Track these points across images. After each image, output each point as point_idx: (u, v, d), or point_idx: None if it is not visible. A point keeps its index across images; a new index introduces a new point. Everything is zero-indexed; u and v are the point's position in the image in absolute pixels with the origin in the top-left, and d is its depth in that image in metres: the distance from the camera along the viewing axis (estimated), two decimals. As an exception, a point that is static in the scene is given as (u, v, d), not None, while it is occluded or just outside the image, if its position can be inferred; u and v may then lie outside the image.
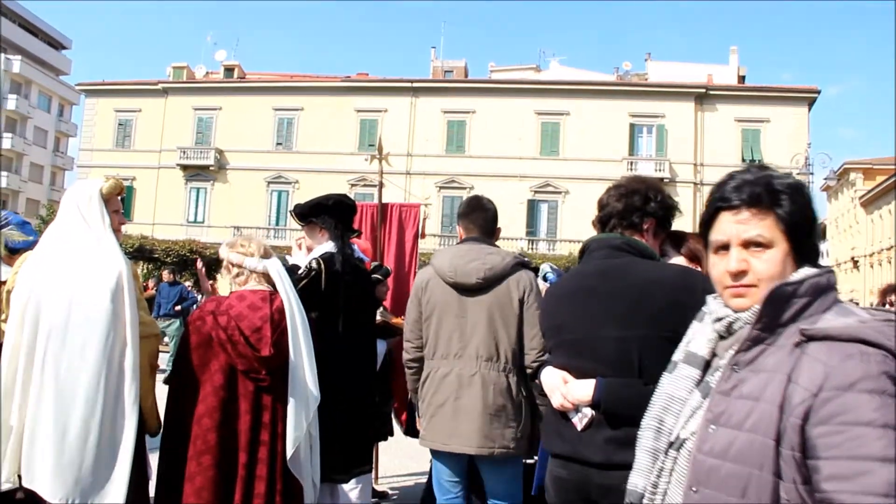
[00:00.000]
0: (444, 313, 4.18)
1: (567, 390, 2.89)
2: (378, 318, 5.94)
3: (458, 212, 4.56)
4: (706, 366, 2.03)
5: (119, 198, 3.83)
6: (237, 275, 4.01)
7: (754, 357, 1.83)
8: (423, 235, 8.73)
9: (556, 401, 2.93)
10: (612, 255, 3.00)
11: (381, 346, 6.06)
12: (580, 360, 2.92)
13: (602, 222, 3.16)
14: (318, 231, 4.85)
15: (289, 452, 3.75)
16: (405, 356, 4.36)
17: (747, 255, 1.93)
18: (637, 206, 3.08)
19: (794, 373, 1.72)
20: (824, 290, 1.86)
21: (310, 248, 4.95)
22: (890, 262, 51.19)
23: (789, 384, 1.71)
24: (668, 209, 3.16)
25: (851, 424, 1.60)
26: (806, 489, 1.66)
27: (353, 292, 4.74)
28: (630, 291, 2.85)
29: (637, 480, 2.09)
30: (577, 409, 2.86)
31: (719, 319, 1.99)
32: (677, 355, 2.15)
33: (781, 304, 1.82)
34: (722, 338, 2.00)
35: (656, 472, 2.02)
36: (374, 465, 6.25)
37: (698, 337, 2.09)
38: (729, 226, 1.96)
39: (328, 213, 4.86)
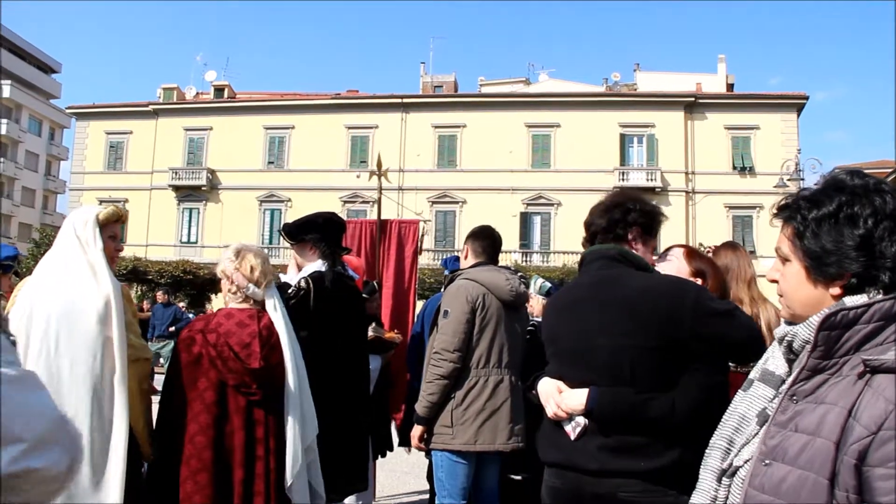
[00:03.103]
0: (498, 326, 4.74)
1: (561, 399, 2.90)
2: (371, 333, 5.97)
3: (472, 233, 5.20)
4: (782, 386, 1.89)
5: (119, 225, 3.82)
6: (233, 291, 4.01)
7: (815, 388, 1.70)
8: (420, 252, 8.74)
9: (551, 410, 2.94)
10: (606, 266, 3.04)
11: (375, 363, 6.06)
12: (574, 369, 2.94)
13: (590, 242, 3.21)
14: (308, 249, 4.83)
15: (288, 479, 3.75)
16: (449, 366, 4.62)
17: (781, 265, 1.87)
18: (618, 218, 3.11)
19: (856, 407, 1.58)
20: (895, 316, 1.65)
21: (299, 267, 4.94)
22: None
23: (849, 419, 1.57)
24: (650, 215, 3.18)
25: None
26: None
27: (343, 310, 4.74)
28: (623, 301, 2.87)
29: (699, 501, 1.98)
30: (570, 418, 2.87)
31: (782, 339, 1.85)
32: (754, 373, 2.01)
33: (839, 331, 1.67)
34: (791, 359, 1.86)
35: (711, 499, 1.93)
36: (372, 483, 6.22)
37: (776, 354, 1.94)
38: None
39: (318, 232, 4.85)
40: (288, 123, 48.84)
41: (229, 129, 48.98)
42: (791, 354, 1.83)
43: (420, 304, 9.07)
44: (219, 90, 53.68)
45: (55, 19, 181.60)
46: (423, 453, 5.10)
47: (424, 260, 36.83)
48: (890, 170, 50.49)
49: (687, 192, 44.86)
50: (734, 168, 44.76)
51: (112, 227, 3.77)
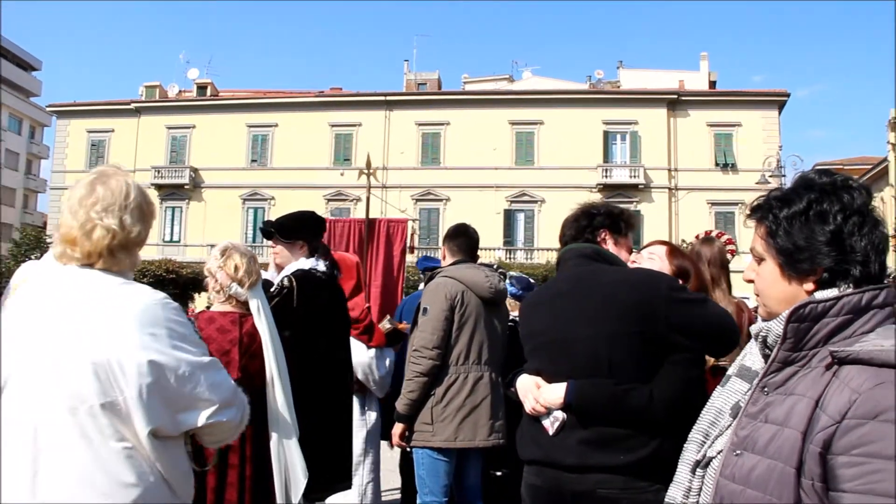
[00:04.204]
0: (477, 323, 4.78)
1: (539, 394, 2.92)
2: (386, 325, 6.20)
3: (448, 233, 5.27)
4: None
5: None
6: (217, 290, 3.99)
7: (785, 380, 1.75)
8: (413, 250, 8.78)
9: (529, 405, 2.96)
10: (583, 263, 3.11)
11: (391, 356, 6.22)
12: (553, 363, 2.97)
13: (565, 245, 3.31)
14: (298, 248, 4.79)
15: (279, 497, 3.78)
16: (428, 363, 4.67)
17: (756, 265, 1.92)
18: (585, 224, 3.23)
19: (823, 398, 1.62)
20: (864, 309, 1.71)
21: (279, 266, 4.89)
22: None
23: (815, 409, 1.62)
24: (616, 216, 3.29)
25: (874, 457, 1.50)
26: None
27: (327, 308, 4.73)
28: (599, 292, 2.92)
29: (675, 493, 2.03)
30: (549, 413, 2.88)
31: (757, 335, 1.89)
32: (732, 370, 2.07)
33: (808, 324, 1.72)
34: (767, 355, 1.88)
35: (685, 490, 1.98)
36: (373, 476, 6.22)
37: (753, 350, 2.00)
38: None
39: (311, 230, 4.86)
40: (271, 121, 48.70)
41: (212, 128, 48.76)
42: (766, 350, 1.87)
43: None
44: (201, 88, 53.41)
45: (36, 16, 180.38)
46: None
47: (411, 258, 36.74)
48: (869, 166, 50.97)
49: (670, 189, 45.03)
50: (717, 165, 44.98)
51: None
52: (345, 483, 4.82)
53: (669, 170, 45.34)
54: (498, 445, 4.74)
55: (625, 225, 3.29)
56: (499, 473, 5.34)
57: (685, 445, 2.07)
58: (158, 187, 48.57)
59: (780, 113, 46.22)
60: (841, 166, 58.92)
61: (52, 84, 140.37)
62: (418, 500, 4.89)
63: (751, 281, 1.95)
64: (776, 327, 1.80)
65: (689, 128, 45.60)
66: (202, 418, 2.33)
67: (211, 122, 49.00)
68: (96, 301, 2.26)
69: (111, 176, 2.43)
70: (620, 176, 45.22)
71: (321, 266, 4.76)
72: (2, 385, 2.22)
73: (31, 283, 2.41)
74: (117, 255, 2.37)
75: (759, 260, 1.90)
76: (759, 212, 1.90)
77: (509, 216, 45.83)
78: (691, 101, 46.27)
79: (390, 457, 6.80)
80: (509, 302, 5.58)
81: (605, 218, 3.23)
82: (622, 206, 3.46)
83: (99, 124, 50.40)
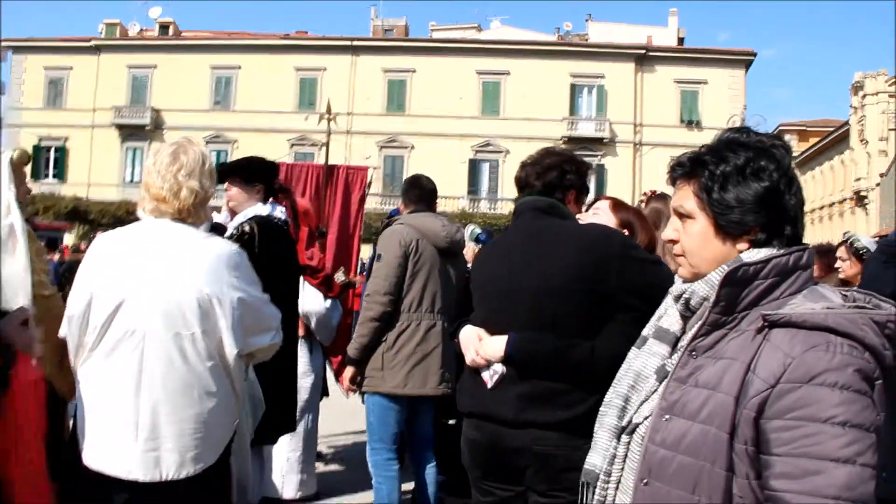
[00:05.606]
0: (431, 272, 4.81)
1: (480, 346, 2.91)
2: (341, 277, 6.35)
3: (403, 188, 5.35)
4: (677, 343, 1.90)
5: (25, 167, 3.72)
6: None
7: (713, 343, 1.72)
8: (366, 196, 8.75)
9: (470, 357, 2.95)
10: (538, 217, 3.05)
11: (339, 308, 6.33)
12: (497, 313, 2.95)
13: (521, 191, 3.22)
14: (255, 192, 4.64)
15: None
16: (379, 309, 4.68)
17: (681, 224, 1.85)
18: (555, 183, 3.12)
19: (754, 362, 1.61)
20: (791, 270, 1.70)
21: (233, 211, 4.74)
22: (821, 221, 52.61)
23: (748, 373, 1.61)
24: (583, 175, 3.21)
25: (808, 420, 1.51)
26: (759, 485, 1.57)
27: (285, 255, 4.68)
28: (549, 247, 2.90)
29: (595, 460, 1.97)
30: (488, 365, 2.87)
31: (678, 297, 1.85)
32: (647, 330, 2.02)
33: (740, 287, 1.69)
34: (687, 316, 1.86)
35: (609, 458, 1.92)
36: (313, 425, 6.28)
37: (671, 311, 1.95)
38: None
39: (269, 175, 4.79)
40: (235, 63, 47.75)
41: (174, 68, 47.68)
42: (688, 311, 1.84)
43: (365, 249, 9.08)
44: (164, 27, 52.12)
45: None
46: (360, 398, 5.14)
47: (371, 204, 36.61)
48: (832, 128, 51.53)
49: (635, 144, 45.13)
50: (682, 121, 45.10)
51: (21, 172, 3.64)
52: (289, 426, 4.84)
53: (635, 125, 45.39)
54: (447, 395, 4.75)
55: (587, 185, 3.25)
56: (452, 422, 5.39)
57: (603, 410, 2.02)
58: (119, 127, 47.71)
59: (746, 72, 46.35)
60: (804, 128, 59.50)
61: (5, 19, 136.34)
62: (367, 447, 4.92)
63: (672, 241, 1.88)
64: (701, 289, 1.78)
65: (656, 83, 45.55)
66: (267, 340, 3.04)
67: (173, 63, 47.90)
68: (191, 249, 2.90)
69: (189, 146, 3.06)
70: (586, 129, 45.17)
71: (278, 213, 4.69)
72: (119, 304, 2.79)
73: (130, 230, 3.02)
74: (199, 210, 3.01)
75: (685, 218, 1.84)
76: (689, 168, 1.84)
77: (474, 166, 45.69)
78: (659, 58, 46.13)
79: (345, 403, 6.87)
80: (467, 252, 5.63)
81: (577, 178, 3.16)
82: (587, 162, 3.37)
83: (57, 61, 49.06)
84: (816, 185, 54.07)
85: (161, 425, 2.79)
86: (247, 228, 4.43)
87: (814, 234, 48.66)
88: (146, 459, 2.79)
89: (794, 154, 58.32)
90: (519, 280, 2.91)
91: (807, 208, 47.20)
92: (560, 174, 3.12)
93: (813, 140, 55.97)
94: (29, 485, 2.84)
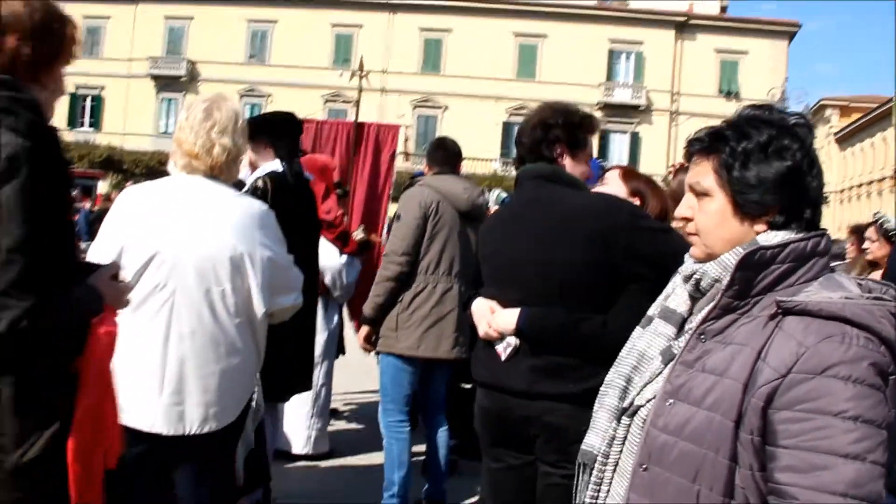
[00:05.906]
0: (450, 235, 4.76)
1: (492, 319, 2.88)
2: (360, 234, 6.34)
3: (427, 151, 5.33)
4: (683, 324, 1.83)
5: None
6: None
7: (724, 327, 1.65)
8: (408, 157, 8.73)
9: (482, 329, 2.93)
10: (541, 185, 2.96)
11: (358, 263, 6.33)
12: (507, 288, 2.91)
13: (521, 161, 3.12)
14: (263, 148, 4.56)
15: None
16: (396, 269, 4.67)
17: (696, 201, 1.76)
18: (539, 138, 2.99)
19: (766, 349, 1.55)
20: (808, 256, 1.63)
21: (254, 166, 4.67)
22: (859, 199, 51.87)
23: (758, 361, 1.55)
24: (573, 126, 3.04)
25: (818, 413, 1.46)
26: (763, 477, 1.52)
27: (300, 211, 4.60)
28: (555, 217, 2.83)
29: (594, 441, 1.92)
30: (501, 338, 2.85)
31: (688, 278, 1.78)
32: (653, 310, 1.95)
33: (756, 271, 1.62)
34: (696, 297, 1.80)
35: (608, 439, 1.86)
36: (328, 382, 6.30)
37: (679, 291, 1.88)
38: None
39: (273, 131, 4.67)
40: (272, 17, 47.67)
41: (211, 20, 47.68)
42: (697, 293, 1.77)
43: (393, 208, 9.03)
44: (202, -22, 52.13)
45: None
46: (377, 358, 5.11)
47: (403, 164, 36.58)
48: (875, 105, 50.50)
49: (671, 113, 44.71)
50: (720, 92, 44.56)
51: None
52: (305, 385, 4.81)
53: (672, 93, 44.93)
54: (461, 359, 4.69)
55: (583, 135, 3.08)
56: (468, 386, 5.36)
57: (603, 389, 1.96)
58: (154, 78, 47.97)
59: (789, 44, 45.59)
60: (847, 103, 58.43)
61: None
62: (380, 408, 4.93)
63: (686, 219, 1.79)
64: (713, 270, 1.70)
65: (696, 52, 44.99)
66: (290, 301, 3.14)
67: (210, 15, 47.85)
68: (223, 206, 2.94)
69: (222, 102, 3.06)
70: (622, 96, 44.80)
71: (296, 168, 4.62)
72: (150, 258, 2.82)
73: (160, 184, 3.05)
74: (231, 168, 3.04)
75: (702, 195, 1.75)
76: (708, 143, 1.75)
77: (508, 128, 45.34)
78: (700, 26, 45.52)
79: (361, 360, 6.89)
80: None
81: (562, 131, 2.99)
82: (582, 112, 3.16)
83: (95, 10, 49.06)
84: (856, 162, 53.29)
85: (187, 380, 2.84)
86: (260, 184, 4.40)
87: (850, 213, 48.01)
88: (170, 413, 2.83)
89: (835, 129, 57.44)
90: (526, 254, 2.86)
91: (845, 185, 46.72)
92: (544, 128, 2.99)
93: (855, 116, 54.99)
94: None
